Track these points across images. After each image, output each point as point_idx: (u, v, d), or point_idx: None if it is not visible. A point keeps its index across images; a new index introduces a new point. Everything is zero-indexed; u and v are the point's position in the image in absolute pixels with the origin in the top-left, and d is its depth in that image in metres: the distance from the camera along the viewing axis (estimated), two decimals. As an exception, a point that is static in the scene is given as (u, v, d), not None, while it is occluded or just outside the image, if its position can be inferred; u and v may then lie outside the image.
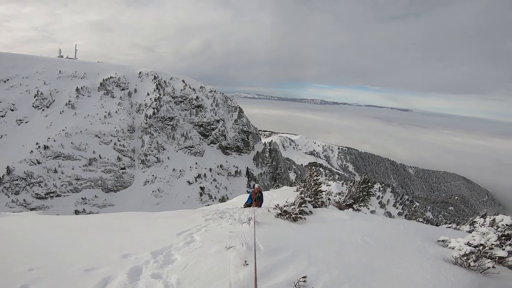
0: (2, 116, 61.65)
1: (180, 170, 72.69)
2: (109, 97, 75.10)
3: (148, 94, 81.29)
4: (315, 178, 9.12)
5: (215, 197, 68.15)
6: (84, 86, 74.16)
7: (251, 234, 5.15)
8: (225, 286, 3.54)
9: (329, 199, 9.79)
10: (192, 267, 4.05)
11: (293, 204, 7.02)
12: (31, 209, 49.54)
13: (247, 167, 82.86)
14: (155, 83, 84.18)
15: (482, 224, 17.76)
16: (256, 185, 10.41)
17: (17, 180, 52.55)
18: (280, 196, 17.79)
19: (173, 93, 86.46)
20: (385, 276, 3.92)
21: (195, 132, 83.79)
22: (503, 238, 4.48)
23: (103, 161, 64.15)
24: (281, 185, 42.25)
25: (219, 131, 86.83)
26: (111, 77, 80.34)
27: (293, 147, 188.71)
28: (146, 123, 74.58)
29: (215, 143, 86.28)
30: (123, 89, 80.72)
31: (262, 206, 9.89)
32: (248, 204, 10.03)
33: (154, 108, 77.02)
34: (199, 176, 72.65)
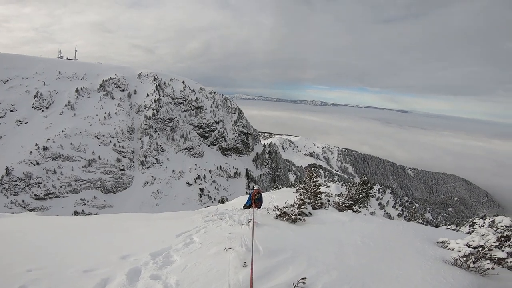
0: (2, 117, 61.61)
1: (180, 172, 72.63)
2: (108, 98, 75.12)
3: (147, 95, 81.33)
4: (314, 179, 9.12)
5: (214, 199, 68.06)
6: (83, 87, 74.18)
7: (251, 236, 5.15)
8: (224, 287, 3.53)
9: (328, 200, 9.79)
10: (191, 269, 4.04)
11: (293, 206, 7.02)
12: (30, 210, 49.42)
13: (247, 169, 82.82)
14: (155, 84, 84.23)
15: (481, 225, 17.78)
16: (256, 187, 10.41)
17: (16, 181, 52.45)
18: (280, 197, 17.78)
19: (173, 94, 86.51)
20: (385, 277, 3.92)
21: (194, 133, 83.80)
22: (502, 239, 4.48)
23: (103, 162, 64.08)
24: (281, 187, 42.23)
25: (218, 132, 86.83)
26: (110, 78, 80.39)
27: (293, 149, 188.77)
28: (146, 124, 74.56)
29: (215, 145, 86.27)
30: (122, 90, 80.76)
31: (261, 208, 9.88)
32: (247, 206, 10.02)
33: (153, 109, 77.04)
34: (198, 177, 72.59)
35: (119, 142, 68.49)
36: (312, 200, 8.44)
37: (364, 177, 11.80)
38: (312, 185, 8.93)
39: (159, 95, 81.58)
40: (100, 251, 4.71)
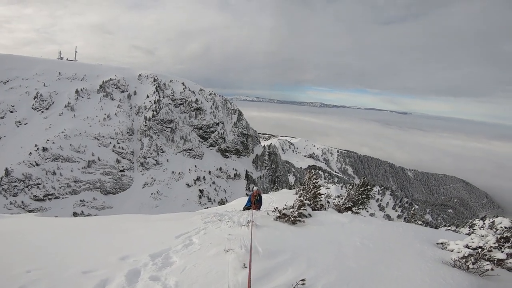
0: (2, 118, 61.59)
1: (179, 173, 72.59)
2: (108, 99, 75.17)
3: (147, 97, 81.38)
4: (314, 181, 9.13)
5: (214, 200, 68.01)
6: (83, 88, 74.24)
7: (250, 237, 5.15)
8: (224, 288, 3.53)
9: (328, 202, 9.79)
10: (190, 270, 4.04)
11: (292, 207, 7.02)
12: (29, 211, 49.34)
13: (246, 170, 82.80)
14: (155, 86, 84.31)
15: (481, 227, 17.78)
16: (255, 188, 10.40)
17: (15, 182, 52.39)
18: (279, 199, 17.78)
19: (173, 95, 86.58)
20: (384, 279, 3.92)
21: (194, 134, 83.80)
22: (502, 240, 4.48)
23: (102, 163, 64.03)
24: (280, 188, 42.21)
25: (218, 134, 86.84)
26: (110, 79, 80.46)
27: (293, 150, 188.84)
28: (146, 125, 74.58)
29: (215, 146, 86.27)
30: (122, 92, 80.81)
31: (261, 209, 9.88)
32: (247, 207, 10.02)
33: (153, 111, 77.07)
34: (198, 178, 72.55)
35: (118, 143, 68.48)
36: (311, 202, 8.45)
37: (364, 178, 11.81)
38: (311, 187, 8.94)
39: (159, 97, 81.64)
40: (99, 252, 4.70)
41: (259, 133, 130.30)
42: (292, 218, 6.59)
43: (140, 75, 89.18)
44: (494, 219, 17.53)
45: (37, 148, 56.75)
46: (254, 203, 9.86)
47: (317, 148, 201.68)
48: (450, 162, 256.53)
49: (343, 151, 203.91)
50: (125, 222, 7.33)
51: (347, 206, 9.94)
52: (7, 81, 68.97)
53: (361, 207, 10.53)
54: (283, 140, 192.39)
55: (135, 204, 61.87)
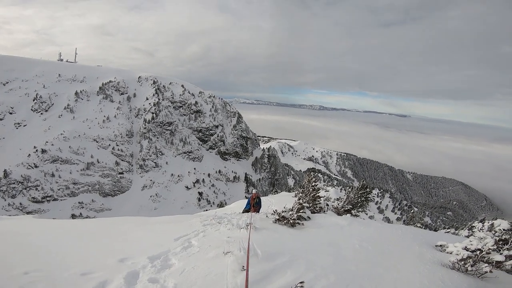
0: (1, 119, 61.46)
1: (179, 175, 72.47)
2: (108, 101, 75.18)
3: (147, 99, 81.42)
4: (313, 184, 9.14)
5: (213, 203, 67.84)
6: (83, 90, 74.24)
7: (248, 240, 5.15)
8: (223, 291, 3.53)
9: (327, 204, 9.80)
10: (189, 272, 4.04)
11: (291, 210, 7.03)
12: (27, 213, 49.13)
13: (246, 173, 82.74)
14: (154, 88, 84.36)
15: (480, 229, 17.79)
16: (254, 191, 10.43)
17: (14, 183, 52.18)
18: (279, 201, 17.78)
19: (172, 98, 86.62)
20: (383, 281, 3.92)
21: (193, 137, 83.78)
22: (501, 242, 4.49)
23: (101, 165, 63.89)
24: (280, 191, 42.21)
25: (218, 136, 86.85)
26: (110, 81, 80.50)
27: (292, 153, 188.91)
28: (145, 128, 74.55)
29: (214, 149, 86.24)
30: (122, 94, 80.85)
31: (260, 212, 9.88)
32: (246, 210, 10.03)
33: (153, 113, 77.08)
34: (197, 181, 72.42)
35: (118, 145, 68.37)
36: (311, 204, 8.46)
37: (363, 181, 11.83)
38: (311, 190, 8.95)
39: (159, 99, 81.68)
40: (98, 254, 4.69)
41: (258, 136, 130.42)
42: (291, 221, 6.60)
43: (139, 77, 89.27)
44: (493, 221, 17.53)
45: (36, 150, 56.62)
46: (253, 205, 9.86)
47: (317, 151, 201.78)
48: (449, 164, 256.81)
49: (343, 154, 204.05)
50: (124, 224, 7.32)
51: (346, 208, 9.95)
52: (7, 83, 68.94)
53: (360, 209, 10.54)
54: (282, 143, 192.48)
55: (134, 206, 61.66)
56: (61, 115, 66.65)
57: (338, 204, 10.54)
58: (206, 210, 43.62)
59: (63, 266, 4.07)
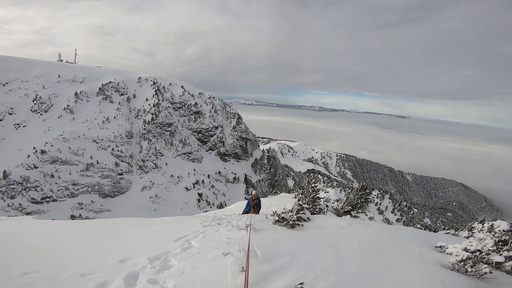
0: (0, 120, 61.42)
1: (178, 176, 72.41)
2: (107, 102, 75.14)
3: (147, 100, 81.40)
4: (313, 185, 9.14)
5: (213, 204, 67.78)
6: (83, 91, 74.21)
7: (248, 241, 5.15)
8: (222, 292, 3.53)
9: (327, 206, 9.79)
10: (189, 273, 4.04)
11: (291, 211, 7.02)
12: (27, 214, 49.03)
13: (245, 174, 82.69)
14: (154, 89, 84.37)
15: (480, 230, 17.79)
16: (254, 192, 10.41)
17: (13, 184, 52.09)
18: (278, 203, 17.78)
19: (172, 99, 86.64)
20: (382, 281, 3.92)
21: (193, 138, 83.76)
22: (500, 243, 4.50)
23: (101, 166, 63.83)
24: (279, 192, 42.18)
25: (217, 137, 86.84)
26: (110, 82, 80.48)
27: (292, 154, 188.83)
28: (145, 128, 74.52)
29: (214, 150, 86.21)
30: (122, 94, 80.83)
31: (260, 213, 9.88)
32: (246, 211, 10.03)
33: (152, 114, 77.06)
34: (197, 182, 72.37)
35: (117, 146, 68.32)
36: (310, 206, 8.45)
37: (363, 182, 11.82)
38: (310, 191, 8.95)
39: (158, 100, 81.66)
40: (98, 255, 4.69)
41: (258, 137, 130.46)
42: (291, 222, 6.60)
43: (139, 78, 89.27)
44: (493, 222, 17.55)
45: (36, 151, 56.55)
46: (253, 207, 9.86)
47: (316, 152, 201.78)
48: (448, 165, 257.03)
49: (342, 155, 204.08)
50: (124, 225, 7.31)
51: (346, 210, 9.94)
52: (6, 83, 68.90)
53: (360, 211, 10.52)
54: (282, 144, 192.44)
55: (134, 207, 61.58)
56: (61, 116, 66.60)
57: (338, 205, 10.53)
58: (206, 211, 43.60)
59: (62, 267, 4.06)
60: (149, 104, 79.95)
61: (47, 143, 58.68)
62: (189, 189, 70.45)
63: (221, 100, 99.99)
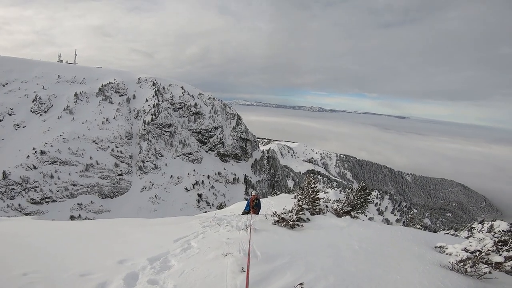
0: (0, 120, 61.41)
1: (178, 177, 72.37)
2: (107, 103, 75.12)
3: (146, 101, 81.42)
4: (313, 185, 9.14)
5: (212, 204, 67.73)
6: (82, 91, 74.20)
7: (249, 241, 5.15)
8: (222, 292, 3.52)
9: (326, 206, 9.79)
10: (189, 274, 4.04)
11: (291, 212, 7.02)
12: (26, 214, 48.94)
13: (245, 175, 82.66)
14: (154, 90, 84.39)
15: (480, 230, 17.80)
16: (253, 192, 10.42)
17: (12, 185, 52.03)
18: (278, 203, 17.76)
19: (172, 99, 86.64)
20: (382, 282, 3.92)
21: (193, 139, 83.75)
22: (500, 243, 4.50)
23: (100, 167, 63.77)
24: (279, 193, 42.18)
25: (217, 138, 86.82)
26: (110, 83, 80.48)
27: (291, 155, 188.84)
28: (144, 129, 74.49)
29: (213, 150, 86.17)
30: (121, 95, 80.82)
31: (259, 214, 9.88)
32: (246, 212, 10.03)
33: (152, 115, 77.05)
34: (196, 183, 72.32)
35: (117, 147, 68.27)
36: (310, 206, 8.45)
37: (363, 183, 11.82)
38: (310, 191, 8.95)
39: (158, 100, 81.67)
40: (97, 255, 4.69)
41: (258, 138, 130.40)
42: (291, 223, 6.60)
43: (139, 78, 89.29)
44: (492, 222, 17.55)
45: (35, 151, 56.50)
46: (253, 207, 9.86)
47: (316, 153, 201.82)
48: (448, 166, 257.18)
49: (342, 156, 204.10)
50: (123, 226, 7.31)
51: (345, 210, 9.94)
52: (6, 84, 68.90)
53: (359, 211, 10.53)
54: (282, 145, 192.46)
55: (133, 208, 61.52)
56: (61, 117, 66.57)
57: (338, 205, 10.53)
58: (206, 211, 43.56)
59: (62, 267, 4.06)
60: (149, 105, 79.96)
61: (46, 143, 58.64)
62: (189, 190, 70.41)
63: (221, 100, 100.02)
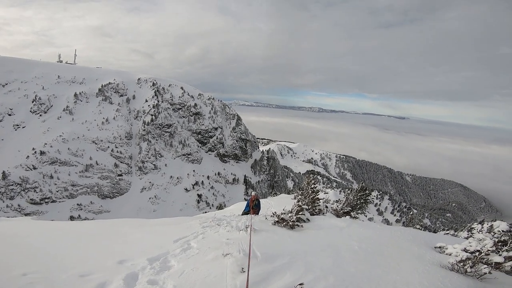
0: (0, 121, 61.37)
1: (178, 178, 72.33)
2: (107, 103, 75.10)
3: (146, 101, 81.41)
4: (312, 186, 9.14)
5: (212, 205, 67.69)
6: (82, 92, 74.17)
7: (248, 241, 5.14)
8: (222, 292, 3.52)
9: (326, 206, 9.80)
10: (188, 274, 4.04)
11: (291, 212, 7.02)
12: (26, 215, 48.90)
13: (245, 175, 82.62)
14: (154, 90, 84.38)
15: (479, 231, 17.81)
16: (253, 193, 10.41)
17: (12, 185, 51.99)
18: (278, 203, 17.76)
19: (172, 100, 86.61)
20: (382, 282, 3.92)
21: (193, 139, 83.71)
22: (500, 244, 4.51)
23: (100, 167, 63.73)
24: (279, 193, 42.16)
25: (217, 138, 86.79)
26: (109, 83, 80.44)
27: (291, 155, 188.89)
28: (144, 130, 74.47)
29: (213, 151, 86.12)
30: (121, 95, 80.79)
31: (259, 214, 9.87)
32: (245, 212, 10.03)
33: (152, 115, 77.04)
34: (196, 183, 72.29)
35: (117, 147, 68.24)
36: (310, 207, 8.46)
37: (362, 183, 11.83)
38: (310, 192, 8.95)
39: (158, 101, 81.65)
40: (97, 256, 4.68)
41: (257, 138, 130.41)
42: (291, 223, 6.59)
43: (139, 79, 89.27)
44: (492, 223, 17.56)
45: (35, 152, 56.46)
46: (253, 208, 9.85)
47: (316, 153, 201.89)
48: (448, 166, 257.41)
49: (342, 156, 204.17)
50: (123, 226, 7.30)
51: (345, 210, 9.95)
52: (6, 84, 68.86)
53: (359, 211, 10.53)
54: (281, 145, 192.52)
55: (133, 208, 61.47)
56: (60, 117, 66.54)
57: (337, 206, 10.54)
58: (205, 212, 43.55)
59: (61, 268, 4.05)
60: (148, 105, 79.95)
61: (46, 144, 58.60)
62: (189, 190, 70.38)
63: (221, 101, 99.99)
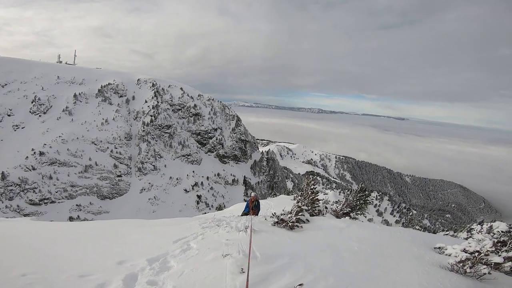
0: (-1, 121, 61.34)
1: (177, 178, 72.27)
2: (106, 104, 75.05)
3: (146, 102, 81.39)
4: (312, 186, 9.14)
5: (212, 205, 67.64)
6: (82, 92, 74.11)
7: (248, 242, 5.14)
8: (221, 293, 3.52)
9: (326, 207, 9.81)
10: (188, 275, 4.03)
11: (290, 213, 7.03)
12: (25, 215, 48.79)
13: (245, 176, 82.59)
14: (153, 91, 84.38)
15: (479, 231, 17.81)
16: (253, 194, 10.41)
17: (11, 186, 51.91)
18: (277, 204, 17.77)
19: (171, 100, 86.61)
20: (381, 283, 3.92)
21: (192, 140, 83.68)
22: (499, 244, 4.51)
23: (99, 168, 63.65)
24: (278, 194, 42.16)
25: (216, 139, 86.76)
26: (109, 84, 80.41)
27: (291, 156, 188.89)
28: (144, 130, 74.43)
29: (213, 152, 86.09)
30: (121, 96, 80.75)
31: (259, 215, 9.88)
32: (245, 213, 10.03)
33: (151, 116, 77.02)
34: (196, 184, 72.24)
35: (116, 148, 68.18)
36: (309, 207, 8.46)
37: (362, 184, 11.84)
38: (309, 192, 8.96)
39: (157, 102, 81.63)
40: (96, 256, 4.67)
41: (257, 139, 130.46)
42: (290, 224, 6.60)
43: (138, 79, 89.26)
44: (491, 223, 17.57)
45: (34, 152, 56.38)
46: (252, 208, 9.86)
47: (315, 154, 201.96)
48: (447, 167, 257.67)
49: (341, 157, 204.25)
50: (122, 227, 7.29)
51: (345, 211, 9.96)
52: (5, 84, 68.75)
53: (359, 212, 10.54)
54: (281, 146, 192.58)
55: (132, 209, 61.38)
56: (60, 118, 66.45)
57: (337, 207, 10.55)
58: (205, 213, 43.52)
59: (60, 268, 4.05)
60: (148, 106, 79.92)
61: (45, 144, 58.53)
62: (188, 191, 70.31)
63: (220, 102, 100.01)
